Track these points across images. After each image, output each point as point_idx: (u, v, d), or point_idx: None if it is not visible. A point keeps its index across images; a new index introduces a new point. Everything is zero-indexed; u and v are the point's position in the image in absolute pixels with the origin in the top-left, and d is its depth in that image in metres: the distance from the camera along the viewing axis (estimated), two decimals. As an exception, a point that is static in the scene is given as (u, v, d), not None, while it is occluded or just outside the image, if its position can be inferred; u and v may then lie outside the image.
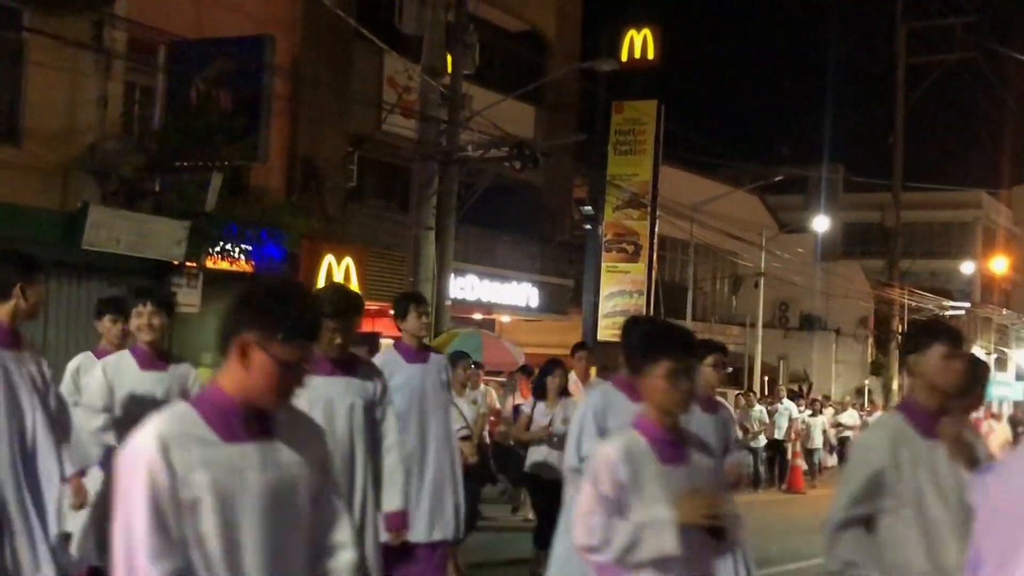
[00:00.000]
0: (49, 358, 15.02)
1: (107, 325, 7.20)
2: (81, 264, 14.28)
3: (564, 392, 9.95)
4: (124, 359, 5.97)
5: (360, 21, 16.47)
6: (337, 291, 5.49)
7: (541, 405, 9.72)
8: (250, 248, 15.85)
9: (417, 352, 6.70)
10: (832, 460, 21.84)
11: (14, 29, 14.05)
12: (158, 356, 5.98)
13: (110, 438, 5.59)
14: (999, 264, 42.08)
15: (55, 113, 14.43)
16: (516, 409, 11.39)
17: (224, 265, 15.83)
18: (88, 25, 14.47)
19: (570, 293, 25.10)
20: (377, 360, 6.35)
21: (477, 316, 22.54)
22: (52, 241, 13.70)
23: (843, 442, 22.12)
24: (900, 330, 34.94)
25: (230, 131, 14.84)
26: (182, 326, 15.19)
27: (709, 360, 6.26)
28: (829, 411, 20.74)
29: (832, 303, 35.24)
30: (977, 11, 33.41)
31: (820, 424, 22.90)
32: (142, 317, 5.88)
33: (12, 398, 4.88)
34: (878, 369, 35.57)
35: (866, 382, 35.24)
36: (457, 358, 10.43)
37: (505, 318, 24.26)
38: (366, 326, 19.37)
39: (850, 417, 23.21)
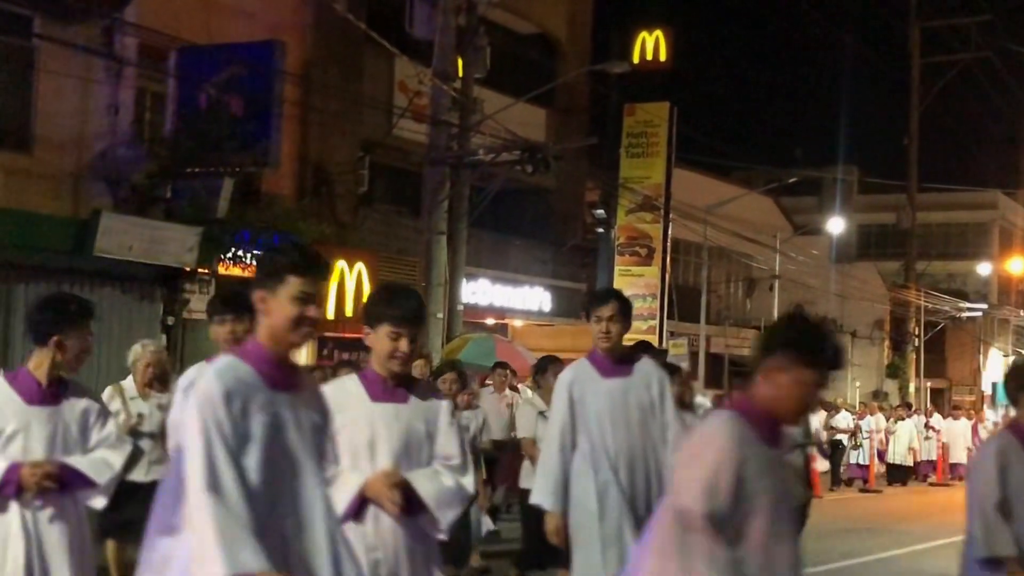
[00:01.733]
0: (60, 365, 14.87)
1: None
2: (93, 271, 14.27)
3: None
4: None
5: (371, 26, 16.44)
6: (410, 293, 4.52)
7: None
8: (261, 254, 15.82)
9: (615, 365, 5.57)
10: (824, 465, 20.71)
11: (25, 36, 14.08)
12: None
13: None
14: (1016, 265, 41.76)
15: (66, 120, 14.45)
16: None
17: (236, 271, 15.81)
18: (99, 32, 14.49)
19: (583, 297, 25.02)
20: (566, 375, 5.68)
21: (490, 321, 22.48)
22: (64, 248, 13.71)
23: (835, 445, 21.44)
24: (916, 332, 34.76)
25: (241, 137, 14.83)
26: (193, 333, 15.19)
27: None
28: (822, 413, 20.43)
29: (847, 305, 35.05)
30: (991, 10, 33.23)
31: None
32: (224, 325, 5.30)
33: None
34: (894, 372, 35.36)
35: (883, 386, 35.04)
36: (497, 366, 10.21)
37: (518, 323, 24.20)
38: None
39: (843, 420, 22.83)
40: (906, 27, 33.62)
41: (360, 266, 18.28)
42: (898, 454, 23.43)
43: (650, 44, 23.97)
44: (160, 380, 7.74)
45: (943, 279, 38.58)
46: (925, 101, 33.75)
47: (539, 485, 5.59)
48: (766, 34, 75.50)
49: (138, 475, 6.75)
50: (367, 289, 18.37)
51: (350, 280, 18.11)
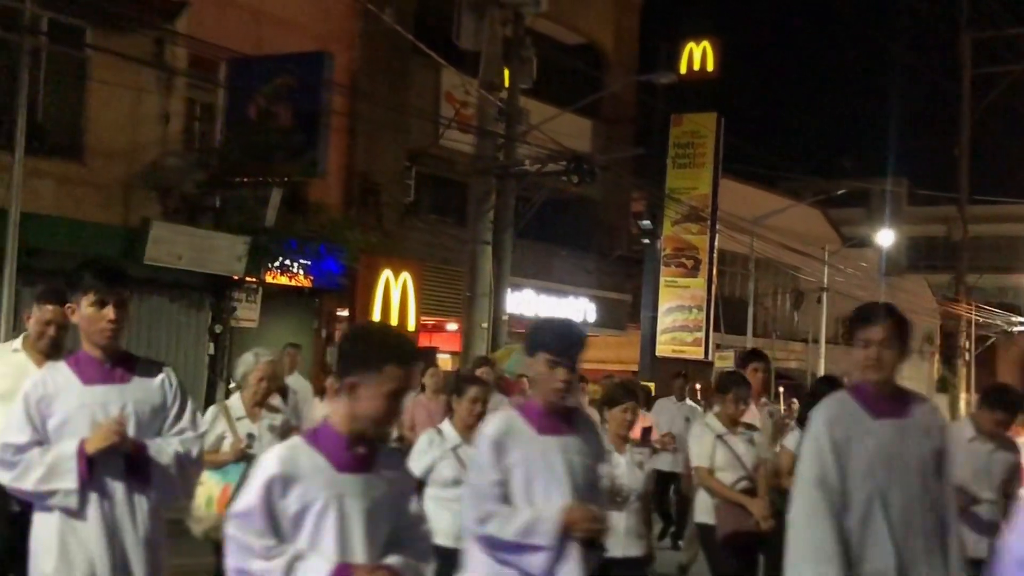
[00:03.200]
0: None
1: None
2: (142, 279, 14.42)
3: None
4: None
5: (418, 36, 16.51)
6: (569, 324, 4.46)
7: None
8: (309, 263, 15.93)
9: (888, 403, 4.43)
10: None
11: (77, 47, 14.28)
12: None
13: None
14: (1069, 278, 41.12)
15: (117, 130, 14.63)
16: (646, 433, 9.27)
17: (283, 280, 15.91)
18: (150, 43, 14.67)
19: (628, 308, 24.92)
20: (825, 412, 4.41)
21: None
22: (114, 256, 13.86)
23: None
24: (967, 346, 34.25)
25: (289, 147, 14.94)
26: (241, 341, 15.30)
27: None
28: None
29: (896, 318, 34.59)
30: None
31: None
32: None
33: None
34: (944, 386, 34.85)
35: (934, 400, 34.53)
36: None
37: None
38: (423, 341, 19.39)
39: None
40: (957, 38, 33.22)
41: (405, 275, 18.34)
42: None
43: (697, 54, 23.84)
44: (281, 394, 6.99)
45: (994, 292, 38.03)
46: (976, 112, 33.30)
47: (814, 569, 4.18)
48: (814, 44, 74.98)
49: None
50: (412, 299, 18.43)
51: (395, 289, 18.16)
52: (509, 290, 17.56)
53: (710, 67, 23.90)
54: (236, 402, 6.54)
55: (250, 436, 6.34)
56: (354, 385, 3.03)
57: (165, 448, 3.89)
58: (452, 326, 19.37)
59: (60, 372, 3.92)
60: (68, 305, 3.97)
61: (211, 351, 15.42)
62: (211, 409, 6.66)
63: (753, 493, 6.70)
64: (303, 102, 15.37)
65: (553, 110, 18.31)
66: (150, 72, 14.66)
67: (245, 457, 6.18)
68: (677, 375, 13.34)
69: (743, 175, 28.25)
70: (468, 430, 5.81)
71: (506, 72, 16.66)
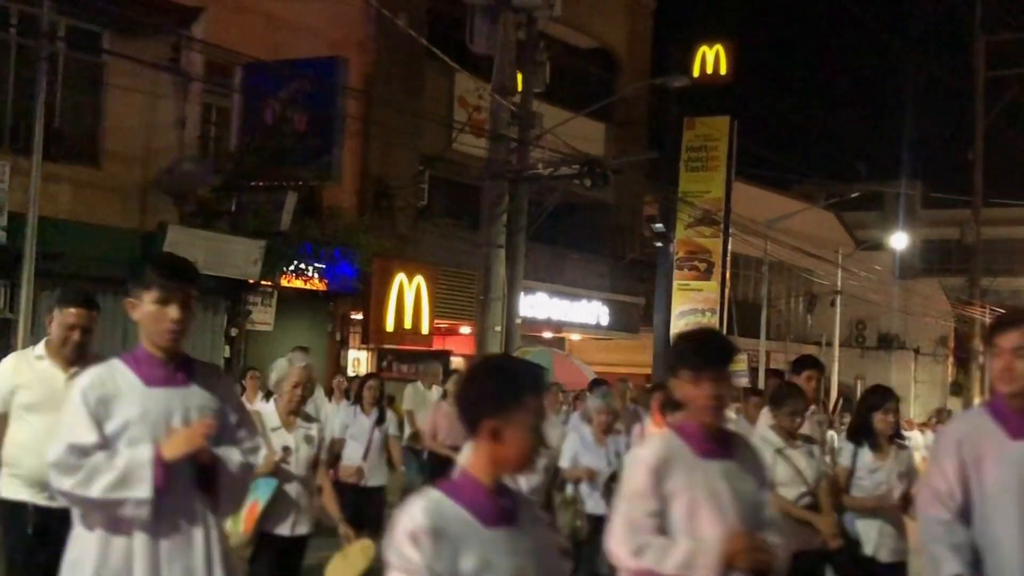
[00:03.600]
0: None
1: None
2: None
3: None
4: None
5: (431, 41, 16.57)
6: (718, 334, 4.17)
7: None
8: (323, 267, 16.01)
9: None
10: None
11: (94, 52, 14.40)
12: None
13: None
14: (1084, 281, 40.95)
15: (134, 135, 14.74)
16: None
17: (298, 284, 15.99)
18: (166, 48, 14.77)
19: (641, 311, 24.93)
20: (955, 428, 4.09)
21: (547, 335, 22.49)
22: (130, 260, 13.95)
23: None
24: (981, 349, 34.17)
25: (304, 151, 15.03)
26: (256, 344, 15.39)
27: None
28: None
29: (911, 322, 34.56)
30: (1059, 22, 32.63)
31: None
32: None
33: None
34: (959, 390, 34.76)
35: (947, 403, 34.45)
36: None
37: (575, 336, 24.18)
38: (436, 344, 19.45)
39: None
40: (971, 40, 33.15)
41: (419, 279, 18.41)
42: None
43: (710, 58, 23.85)
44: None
45: (1008, 295, 37.89)
46: (990, 115, 33.22)
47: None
48: (828, 47, 74.81)
49: (283, 528, 5.59)
50: (425, 302, 18.49)
51: (409, 293, 18.23)
52: (522, 293, 17.60)
53: (723, 70, 23.89)
54: (269, 410, 5.90)
55: (286, 449, 5.69)
56: (496, 429, 2.69)
57: (231, 458, 3.58)
58: (465, 329, 19.43)
59: (118, 371, 3.52)
60: (129, 300, 3.56)
61: (226, 354, 15.50)
62: None
63: (816, 509, 6.29)
64: (318, 107, 15.47)
65: (566, 114, 18.35)
66: (166, 77, 14.77)
67: (278, 471, 5.61)
68: (596, 384, 11.65)
69: (756, 178, 28.26)
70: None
71: (519, 76, 16.71)
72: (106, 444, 3.43)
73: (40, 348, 5.02)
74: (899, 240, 33.20)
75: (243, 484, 3.71)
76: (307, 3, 16.69)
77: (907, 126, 49.96)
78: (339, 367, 18.12)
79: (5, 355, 5.25)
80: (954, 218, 36.98)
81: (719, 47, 24.04)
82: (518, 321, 16.99)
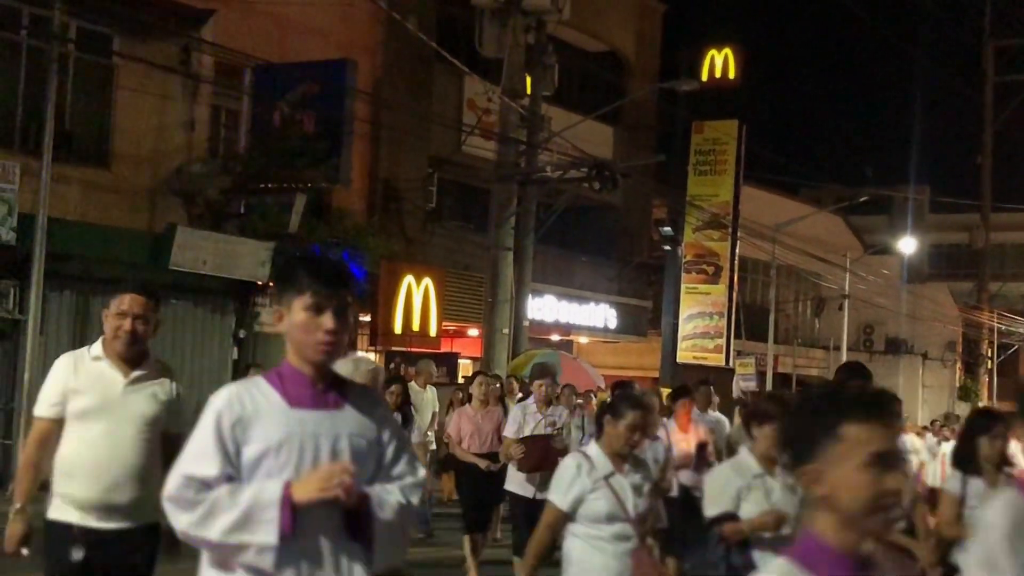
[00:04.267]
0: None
1: None
2: (167, 284, 14.54)
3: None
4: None
5: (440, 44, 16.62)
6: None
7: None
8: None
9: None
10: None
11: (105, 55, 14.44)
12: None
13: None
14: (1093, 287, 40.84)
15: (143, 136, 14.78)
16: (702, 449, 8.93)
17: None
18: (176, 50, 14.82)
19: (649, 315, 24.93)
20: None
21: (555, 337, 22.49)
22: (140, 261, 13.99)
23: None
24: (989, 354, 34.09)
25: (313, 154, 15.06)
26: (265, 346, 15.41)
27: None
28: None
29: (919, 326, 34.49)
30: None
31: None
32: None
33: None
34: (967, 394, 34.68)
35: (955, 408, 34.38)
36: (537, 373, 9.25)
37: (583, 339, 24.17)
38: (444, 346, 19.46)
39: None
40: (980, 46, 33.13)
41: (428, 281, 18.42)
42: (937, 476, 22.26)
43: (719, 62, 23.87)
44: None
45: (1017, 300, 37.81)
46: (999, 120, 33.17)
47: None
48: (837, 52, 74.78)
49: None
50: (434, 304, 18.51)
51: (417, 295, 18.25)
52: (530, 296, 17.62)
53: (731, 74, 23.92)
54: None
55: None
56: (817, 474, 2.09)
57: (387, 498, 2.97)
58: (473, 331, 19.44)
59: (259, 389, 2.96)
60: (276, 309, 2.97)
61: (235, 356, 15.53)
62: None
63: (912, 534, 5.65)
64: (327, 109, 15.50)
65: (575, 117, 18.37)
66: (176, 79, 14.81)
67: None
68: (703, 382, 11.50)
69: (764, 182, 28.24)
70: (620, 459, 4.91)
71: (528, 79, 16.74)
72: (235, 475, 2.88)
73: (97, 347, 4.35)
74: (907, 244, 33.14)
75: (402, 530, 3.04)
76: (316, 6, 16.73)
77: (916, 130, 49.98)
78: (347, 369, 18.15)
79: (15, 356, 5.06)
80: (963, 223, 36.93)
81: (728, 51, 24.06)
82: (526, 323, 17.01)
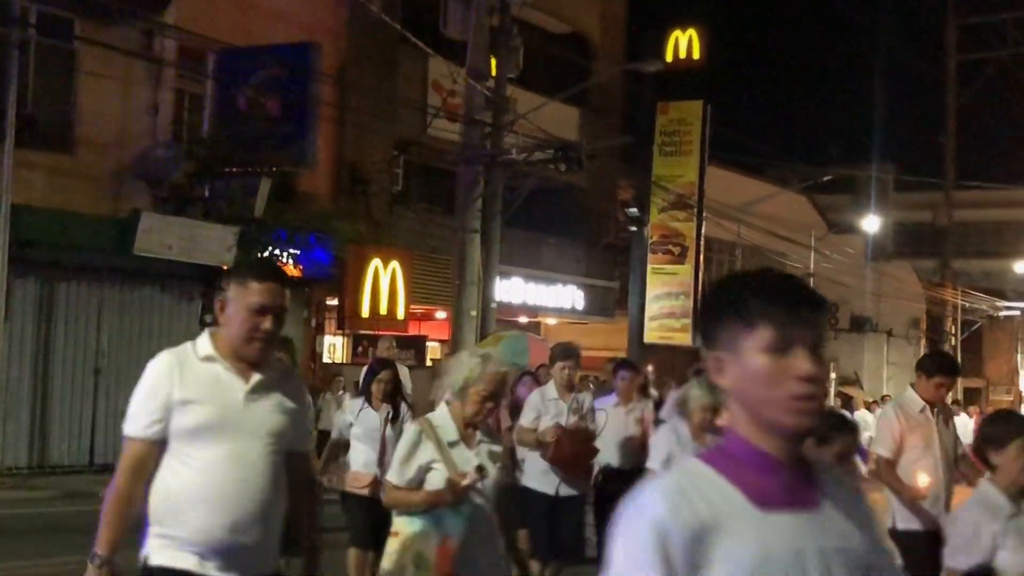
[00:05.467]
0: (102, 363, 15.25)
1: None
2: (133, 269, 14.51)
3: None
4: None
5: (405, 26, 16.59)
6: None
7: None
8: (298, 253, 16.02)
9: None
10: None
11: (66, 39, 14.33)
12: None
13: None
14: (1054, 263, 41.42)
15: (107, 121, 14.70)
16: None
17: (272, 270, 15.99)
18: (138, 34, 14.73)
19: (616, 295, 25.06)
20: None
21: (523, 319, 22.58)
22: (104, 247, 13.95)
23: None
24: (953, 331, 34.51)
25: (278, 137, 15.03)
26: (231, 330, 15.38)
27: None
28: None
29: (883, 304, 34.85)
30: (1029, 6, 32.88)
31: None
32: None
33: None
34: (931, 370, 35.09)
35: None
36: (559, 354, 8.04)
37: (551, 321, 24.28)
38: (412, 329, 19.50)
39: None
40: (942, 24, 33.39)
41: (394, 264, 18.45)
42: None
43: (683, 42, 23.93)
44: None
45: (980, 277, 38.26)
46: (962, 98, 33.49)
47: None
48: (801, 31, 75.06)
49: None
50: (401, 287, 18.54)
51: (384, 278, 18.27)
52: (497, 278, 17.67)
53: (696, 55, 23.98)
54: (443, 418, 4.52)
55: (480, 469, 4.35)
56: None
57: None
58: (441, 314, 19.49)
59: (709, 483, 1.87)
60: (715, 357, 1.93)
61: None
62: (412, 429, 4.56)
63: None
64: (291, 92, 15.47)
65: (541, 99, 18.40)
66: (139, 64, 14.73)
67: (466, 497, 4.34)
68: (698, 372, 8.59)
69: (730, 162, 28.39)
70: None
71: (493, 61, 16.74)
72: None
73: (206, 344, 3.40)
74: (871, 223, 33.44)
75: None
76: (280, -12, 16.67)
77: (879, 109, 50.30)
78: (315, 354, 18.16)
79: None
80: (926, 201, 37.29)
81: (692, 32, 24.11)
82: (493, 306, 17.07)
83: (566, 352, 8.04)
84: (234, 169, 15.20)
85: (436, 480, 4.38)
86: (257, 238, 15.17)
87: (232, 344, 3.33)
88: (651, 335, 24.37)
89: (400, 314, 18.56)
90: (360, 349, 18.06)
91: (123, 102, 14.83)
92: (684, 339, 24.20)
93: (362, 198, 18.52)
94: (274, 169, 15.28)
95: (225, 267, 15.18)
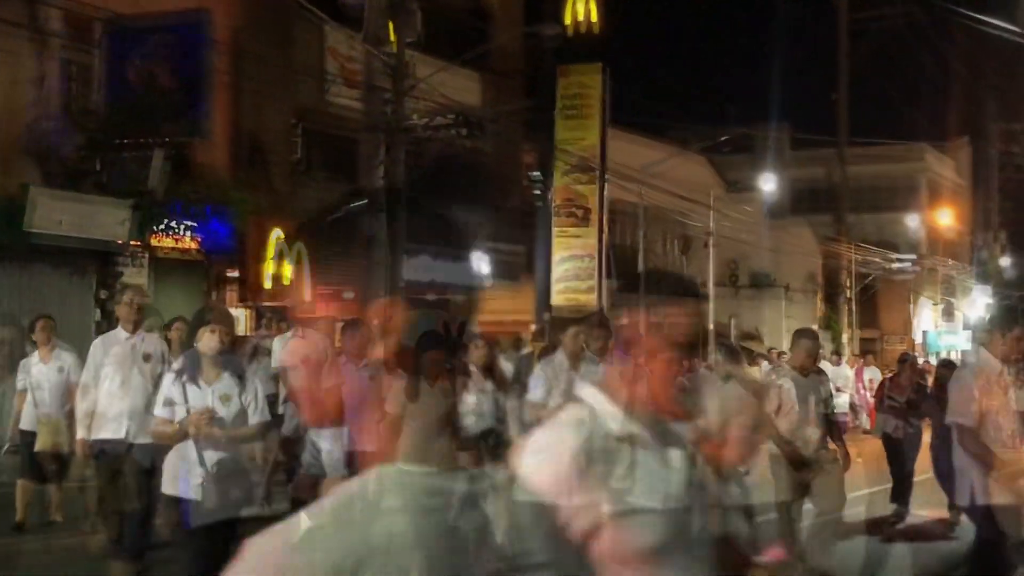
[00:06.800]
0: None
1: None
2: (23, 247, 14.05)
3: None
4: None
5: (300, -9, 16.27)
6: None
7: None
8: (195, 225, 15.69)
9: None
10: None
11: (-57, 9, 13.74)
12: None
13: None
14: (944, 216, 42.67)
15: (-10, 94, 14.16)
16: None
17: (170, 244, 15.65)
18: (21, 3, 14.18)
19: (522, 259, 25.10)
20: None
21: (430, 297, 22.45)
22: (-8, 225, 13.48)
23: None
24: (848, 285, 35.40)
25: (171, 108, 14.65)
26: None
27: None
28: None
29: (781, 261, 35.55)
30: (917, -34, 33.65)
31: None
32: None
33: None
34: (828, 323, 35.99)
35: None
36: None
37: (459, 298, 24.18)
38: (320, 310, 19.22)
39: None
40: (834, -16, 33.95)
41: (299, 245, 18.14)
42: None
43: (581, 7, 23.95)
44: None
45: (873, 231, 39.24)
46: (853, 57, 34.18)
47: None
48: (697, -8, 75.64)
49: None
50: (306, 259, 18.28)
51: (289, 257, 18.00)
52: (405, 256, 17.52)
53: (594, 18, 24.02)
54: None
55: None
56: None
57: None
58: (349, 294, 19.23)
59: None
60: None
61: (97, 318, 15.12)
62: None
63: None
64: (184, 62, 15.07)
65: (440, 64, 18.24)
66: (22, 34, 14.18)
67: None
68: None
69: (631, 125, 28.57)
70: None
71: (391, 26, 16.53)
72: None
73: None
74: (767, 181, 34.01)
75: None
76: (168, -46, 16.18)
77: (775, 70, 51.00)
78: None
79: None
80: (821, 158, 38.02)
81: (590, -5, 24.11)
82: (401, 284, 16.93)
83: (588, 318, 7.83)
84: (127, 141, 14.78)
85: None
86: (152, 212, 14.82)
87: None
88: (557, 298, 24.53)
89: (306, 291, 18.27)
90: (264, 321, 17.78)
91: (8, 74, 14.28)
92: (590, 301, 24.40)
93: (261, 169, 18.18)
94: (168, 141, 14.90)
95: (120, 241, 14.81)
